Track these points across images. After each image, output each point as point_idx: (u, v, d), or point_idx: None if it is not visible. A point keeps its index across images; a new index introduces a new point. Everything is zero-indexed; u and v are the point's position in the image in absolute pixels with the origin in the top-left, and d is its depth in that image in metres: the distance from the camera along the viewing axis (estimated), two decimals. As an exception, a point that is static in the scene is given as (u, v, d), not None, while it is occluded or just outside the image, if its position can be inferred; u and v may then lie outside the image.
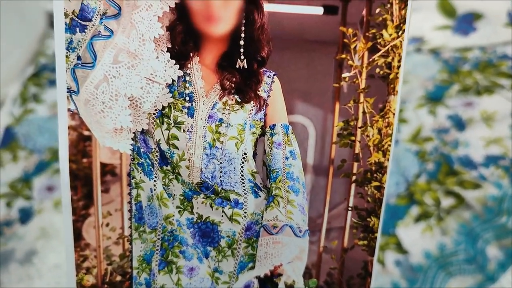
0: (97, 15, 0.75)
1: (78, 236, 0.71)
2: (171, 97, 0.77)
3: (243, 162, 0.79)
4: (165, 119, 0.77)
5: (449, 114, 1.02)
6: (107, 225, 0.74)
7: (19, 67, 1.31)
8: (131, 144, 0.79)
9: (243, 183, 0.78)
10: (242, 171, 0.79)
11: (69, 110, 0.75)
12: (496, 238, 0.79)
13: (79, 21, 0.75)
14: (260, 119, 0.82)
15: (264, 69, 0.85)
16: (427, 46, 1.21)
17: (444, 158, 0.92)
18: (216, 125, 0.77)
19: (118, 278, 0.74)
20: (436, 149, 0.95)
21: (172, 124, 0.76)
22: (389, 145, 0.75)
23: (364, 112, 0.78)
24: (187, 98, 0.77)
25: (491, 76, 1.11)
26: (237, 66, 0.80)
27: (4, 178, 1.01)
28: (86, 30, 0.77)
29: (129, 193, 0.78)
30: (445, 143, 0.97)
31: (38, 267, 0.84)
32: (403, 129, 1.01)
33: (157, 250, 0.75)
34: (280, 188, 0.75)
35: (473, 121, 1.00)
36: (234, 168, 0.78)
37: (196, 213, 0.77)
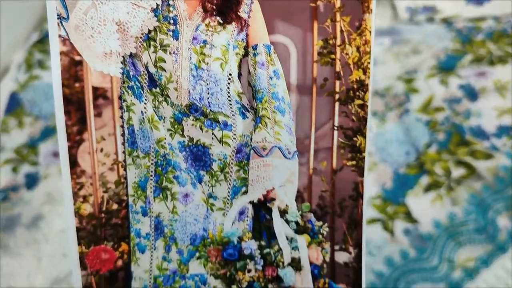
0: None
1: (73, 163, 0.71)
2: (156, 21, 0.78)
3: (229, 83, 0.80)
4: (152, 43, 0.77)
5: (462, 84, 1.00)
6: (101, 150, 0.75)
7: (24, 34, 1.29)
8: (120, 68, 0.79)
9: (231, 104, 0.79)
10: (228, 92, 0.79)
11: (60, 36, 0.76)
12: (507, 209, 0.78)
13: None
14: (243, 39, 0.82)
15: None
16: (439, 15, 1.19)
17: (455, 128, 0.91)
18: (200, 47, 0.78)
19: (115, 206, 0.75)
20: (447, 119, 0.93)
21: (159, 47, 0.77)
22: (369, 63, 0.74)
23: (341, 31, 0.78)
24: (171, 21, 0.78)
25: (505, 46, 1.08)
26: None
27: (9, 144, 1.00)
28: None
29: (121, 117, 0.79)
30: (457, 113, 0.95)
31: (45, 231, 0.84)
32: (414, 98, 0.99)
33: (151, 176, 0.76)
34: (266, 109, 0.75)
35: (486, 91, 0.98)
36: (220, 89, 0.78)
37: (187, 135, 0.77)
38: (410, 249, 0.77)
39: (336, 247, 0.64)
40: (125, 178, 0.77)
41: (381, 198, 0.84)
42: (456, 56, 1.07)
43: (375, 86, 1.03)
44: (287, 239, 0.61)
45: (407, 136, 0.92)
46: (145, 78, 0.78)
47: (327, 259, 0.61)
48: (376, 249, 0.77)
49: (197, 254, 0.70)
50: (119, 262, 0.67)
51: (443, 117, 0.94)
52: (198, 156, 0.76)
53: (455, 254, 0.75)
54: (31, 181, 0.94)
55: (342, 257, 0.63)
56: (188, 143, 0.76)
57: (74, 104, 0.82)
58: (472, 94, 0.98)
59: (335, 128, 0.77)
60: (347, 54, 0.79)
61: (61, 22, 0.73)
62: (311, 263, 0.58)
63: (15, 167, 0.96)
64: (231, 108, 0.79)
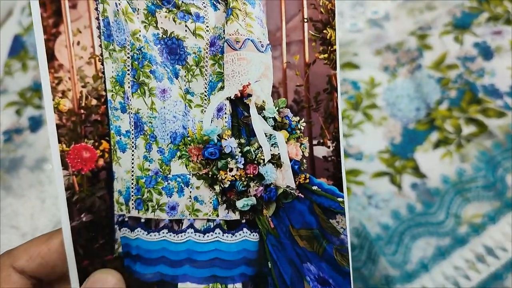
0: None
1: (51, 56, 0.70)
2: None
3: None
4: None
5: (477, 41, 0.98)
6: (78, 43, 0.73)
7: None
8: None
9: None
10: (198, -17, 0.79)
11: None
12: (517, 167, 0.77)
13: None
14: None
15: None
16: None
17: (468, 86, 0.89)
18: None
19: (94, 102, 0.74)
20: (460, 77, 0.91)
21: None
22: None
23: None
24: None
25: (524, 5, 1.05)
26: None
27: (13, 86, 0.98)
28: None
29: (96, 8, 0.77)
30: (471, 71, 0.93)
31: (49, 173, 0.83)
32: (427, 55, 0.97)
33: (128, 70, 0.75)
34: (237, 0, 0.74)
35: (501, 50, 0.96)
36: None
37: (161, 28, 0.76)
38: (417, 203, 0.76)
39: (315, 142, 0.63)
40: (103, 73, 0.76)
41: (390, 153, 0.83)
42: (472, 14, 1.04)
43: (387, 41, 1.00)
44: (265, 136, 0.60)
45: (418, 92, 0.90)
46: None
47: (306, 154, 0.60)
48: (383, 202, 0.77)
49: (178, 153, 0.69)
50: (101, 161, 0.66)
51: (456, 75, 0.92)
52: (173, 49, 0.75)
53: (462, 210, 0.74)
54: (35, 124, 0.93)
55: (320, 151, 0.62)
56: (162, 36, 0.75)
57: (48, -6, 0.80)
58: (487, 52, 0.96)
59: (305, 20, 0.75)
60: None
61: None
62: (290, 159, 0.58)
63: (18, 110, 0.94)
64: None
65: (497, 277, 0.72)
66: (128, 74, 0.75)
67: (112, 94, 0.74)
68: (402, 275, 0.72)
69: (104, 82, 0.75)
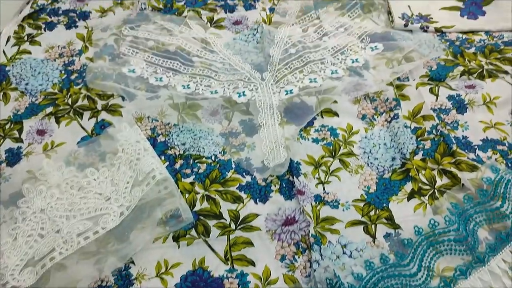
0: None
1: None
2: None
3: None
4: None
5: (451, 94, 1.01)
6: None
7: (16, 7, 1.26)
8: None
9: None
10: None
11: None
12: (488, 222, 0.78)
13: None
14: None
15: None
16: (434, 25, 1.20)
17: (443, 137, 0.91)
18: None
19: None
20: (435, 128, 0.93)
21: None
22: None
23: None
24: None
25: (496, 61, 1.10)
26: None
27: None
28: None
29: None
30: (445, 123, 0.96)
31: (24, 209, 0.81)
32: (403, 105, 0.99)
33: None
34: None
35: (474, 103, 0.99)
36: None
37: None
38: (390, 254, 0.77)
39: None
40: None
41: (365, 202, 0.84)
42: (448, 67, 1.07)
43: (366, 89, 1.03)
44: None
45: (395, 141, 0.93)
46: None
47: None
48: (357, 251, 0.78)
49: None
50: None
51: (431, 126, 0.94)
52: None
53: (435, 263, 0.75)
54: (13, 157, 0.92)
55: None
56: None
57: None
58: (460, 105, 0.99)
59: None
60: None
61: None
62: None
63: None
64: None
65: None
66: None
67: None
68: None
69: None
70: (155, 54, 1.13)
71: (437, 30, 1.19)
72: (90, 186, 0.85)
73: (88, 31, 1.22)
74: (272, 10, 1.28)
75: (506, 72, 1.06)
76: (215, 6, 1.29)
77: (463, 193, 0.84)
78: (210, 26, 1.23)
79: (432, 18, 1.22)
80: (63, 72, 1.10)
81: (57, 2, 1.32)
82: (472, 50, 1.13)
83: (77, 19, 1.26)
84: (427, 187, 0.86)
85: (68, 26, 1.23)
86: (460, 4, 1.26)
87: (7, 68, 1.11)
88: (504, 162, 0.88)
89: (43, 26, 1.24)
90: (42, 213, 0.82)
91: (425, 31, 1.19)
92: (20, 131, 0.97)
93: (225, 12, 1.27)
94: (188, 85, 1.05)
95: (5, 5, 1.22)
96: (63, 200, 0.83)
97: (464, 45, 1.14)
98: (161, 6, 1.30)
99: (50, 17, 1.27)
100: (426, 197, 0.84)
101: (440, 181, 0.86)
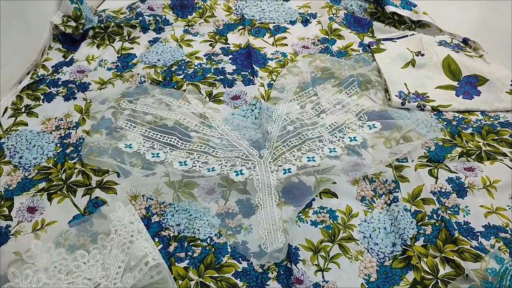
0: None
1: None
2: None
3: None
4: None
5: (451, 177, 1.00)
6: None
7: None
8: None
9: None
10: None
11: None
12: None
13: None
14: None
15: None
16: (430, 104, 1.21)
17: (444, 222, 0.89)
18: None
19: None
20: (436, 213, 0.92)
21: None
22: None
23: None
24: None
25: (493, 142, 1.10)
26: None
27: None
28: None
29: None
30: (446, 208, 0.94)
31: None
32: (402, 188, 0.98)
33: None
34: None
35: (474, 187, 0.98)
36: None
37: None
38: None
39: None
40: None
41: (366, 292, 0.81)
42: (446, 148, 1.07)
43: (364, 169, 1.02)
44: None
45: (395, 226, 0.90)
46: None
47: None
48: None
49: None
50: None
51: (431, 210, 0.93)
52: None
53: None
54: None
55: None
56: None
57: None
58: (461, 189, 0.98)
59: None
60: None
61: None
62: None
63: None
64: None
65: None
66: None
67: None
68: None
69: None
70: (152, 128, 1.12)
71: (433, 109, 1.20)
72: (79, 270, 0.82)
73: (86, 103, 1.22)
74: (270, 85, 1.30)
75: (504, 154, 1.05)
76: (214, 80, 1.31)
77: (468, 285, 0.81)
78: (209, 100, 1.24)
79: (428, 97, 1.23)
80: (58, 145, 1.09)
81: (58, 73, 1.34)
82: (469, 130, 1.13)
83: (76, 91, 1.26)
84: (430, 276, 0.83)
85: (67, 98, 1.24)
86: (455, 83, 1.28)
87: (1, 140, 1.09)
88: (508, 251, 0.86)
89: (42, 97, 1.24)
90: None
91: (422, 109, 1.20)
92: (10, 208, 0.94)
93: (224, 87, 1.28)
94: (185, 161, 1.04)
95: (5, 75, 1.22)
96: (49, 285, 0.80)
97: (461, 125, 1.14)
98: (160, 79, 1.31)
99: (49, 88, 1.27)
100: (429, 288, 0.81)
101: (443, 270, 0.84)
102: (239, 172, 1.00)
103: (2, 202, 0.95)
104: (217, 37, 1.52)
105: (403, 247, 0.87)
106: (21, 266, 0.82)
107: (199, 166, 1.03)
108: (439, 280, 0.82)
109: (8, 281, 0.79)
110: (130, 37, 1.51)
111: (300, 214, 0.94)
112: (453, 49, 1.36)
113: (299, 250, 0.87)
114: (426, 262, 0.85)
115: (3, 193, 0.97)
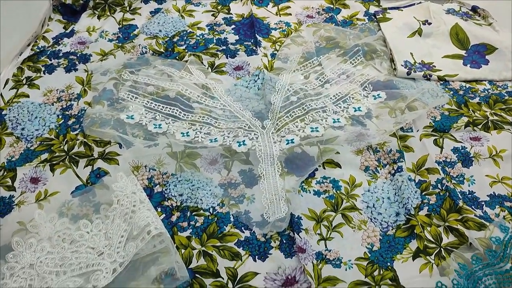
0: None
1: None
2: None
3: None
4: None
5: (456, 147, 0.99)
6: None
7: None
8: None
9: None
10: None
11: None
12: (498, 285, 0.74)
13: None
14: None
15: None
16: (437, 73, 1.19)
17: (448, 192, 0.88)
18: None
19: None
20: (440, 182, 0.91)
21: None
22: None
23: None
24: None
25: (501, 112, 1.08)
26: None
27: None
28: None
29: None
30: (451, 177, 0.93)
31: (12, 264, 0.78)
32: (407, 157, 0.97)
33: None
34: None
35: (480, 157, 0.97)
36: None
37: None
38: (395, 319, 0.73)
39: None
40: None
41: (368, 260, 0.81)
42: (452, 117, 1.06)
43: (368, 139, 1.00)
44: None
45: (398, 195, 0.90)
46: None
47: None
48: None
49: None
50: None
51: (436, 180, 0.92)
52: None
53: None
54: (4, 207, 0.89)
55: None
56: None
57: None
58: (466, 158, 0.97)
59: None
60: None
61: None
62: None
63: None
64: None
65: None
66: None
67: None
68: None
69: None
70: (154, 99, 1.11)
71: (440, 78, 1.18)
72: (82, 239, 0.82)
73: (87, 74, 1.21)
74: (273, 56, 1.28)
75: (511, 124, 1.04)
76: (217, 51, 1.29)
77: (471, 253, 0.80)
78: (211, 71, 1.22)
79: (435, 66, 1.21)
80: (60, 117, 1.08)
81: (58, 44, 1.32)
82: (476, 100, 1.11)
83: (77, 62, 1.25)
84: (433, 245, 0.82)
85: (68, 69, 1.22)
86: (463, 52, 1.26)
87: (3, 112, 1.09)
88: (513, 219, 0.85)
89: (43, 69, 1.23)
90: (31, 269, 0.78)
91: (428, 79, 1.17)
92: (13, 178, 0.94)
93: (227, 58, 1.27)
94: (188, 132, 1.03)
95: (5, 47, 1.20)
96: (53, 255, 0.80)
97: (468, 95, 1.12)
98: (162, 50, 1.29)
99: (50, 60, 1.26)
100: (432, 256, 0.81)
101: (447, 239, 0.83)
102: (241, 143, 0.99)
103: (5, 173, 0.95)
104: (219, 7, 1.49)
105: (407, 216, 0.87)
106: (25, 236, 0.82)
107: (202, 137, 1.02)
108: (442, 249, 0.82)
109: (12, 250, 0.80)
110: (131, 8, 1.49)
111: (303, 184, 0.93)
112: (461, 17, 1.33)
113: (302, 219, 0.87)
114: (429, 231, 0.84)
115: (6, 164, 0.97)
